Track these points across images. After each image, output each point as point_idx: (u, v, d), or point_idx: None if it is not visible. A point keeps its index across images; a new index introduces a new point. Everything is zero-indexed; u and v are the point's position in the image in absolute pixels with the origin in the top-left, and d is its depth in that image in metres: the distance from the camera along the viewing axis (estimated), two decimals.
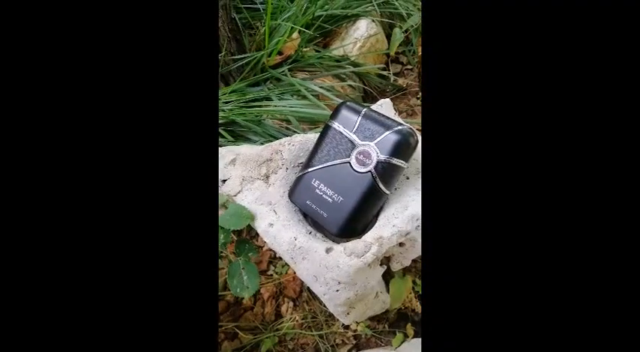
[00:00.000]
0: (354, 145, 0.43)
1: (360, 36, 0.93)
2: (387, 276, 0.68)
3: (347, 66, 0.89)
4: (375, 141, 0.42)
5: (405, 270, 0.71)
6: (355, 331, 0.66)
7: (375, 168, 0.41)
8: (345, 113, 0.44)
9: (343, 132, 0.44)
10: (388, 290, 0.64)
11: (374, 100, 0.94)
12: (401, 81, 1.07)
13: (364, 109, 0.44)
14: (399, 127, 0.42)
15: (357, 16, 0.95)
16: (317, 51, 0.92)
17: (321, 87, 0.81)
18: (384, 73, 0.98)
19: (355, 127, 0.43)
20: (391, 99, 1.05)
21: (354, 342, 0.66)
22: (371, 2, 0.95)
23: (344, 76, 0.89)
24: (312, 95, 0.78)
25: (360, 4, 0.96)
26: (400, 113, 1.01)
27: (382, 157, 0.41)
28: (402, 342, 0.62)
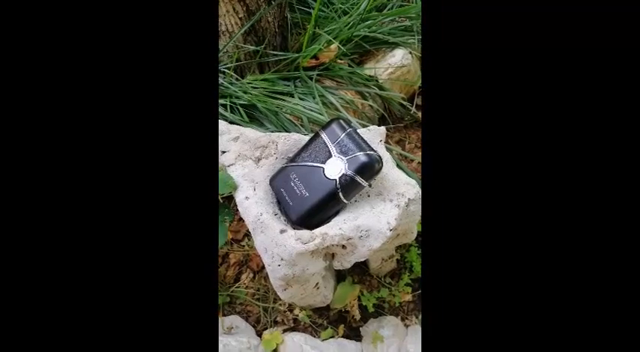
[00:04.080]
0: (330, 155, 0.51)
1: (394, 63, 1.00)
2: (341, 280, 0.75)
3: (373, 87, 0.97)
4: (347, 158, 0.50)
5: (360, 281, 0.78)
6: (297, 316, 0.74)
7: (340, 178, 0.49)
8: (333, 127, 0.53)
9: (326, 142, 0.52)
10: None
11: (388, 125, 1.01)
12: (421, 114, 1.13)
13: (350, 129, 0.52)
14: (370, 152, 0.50)
15: (396, 45, 1.02)
16: (350, 66, 1.00)
17: (341, 98, 0.89)
18: (406, 103, 1.05)
19: (337, 141, 0.51)
20: (405, 129, 1.12)
21: (292, 325, 0.74)
22: (414, 36, 1.02)
23: (367, 95, 0.96)
24: (329, 103, 0.86)
25: (404, 35, 1.04)
26: (409, 143, 1.08)
27: (348, 172, 0.49)
28: (329, 337, 0.70)
